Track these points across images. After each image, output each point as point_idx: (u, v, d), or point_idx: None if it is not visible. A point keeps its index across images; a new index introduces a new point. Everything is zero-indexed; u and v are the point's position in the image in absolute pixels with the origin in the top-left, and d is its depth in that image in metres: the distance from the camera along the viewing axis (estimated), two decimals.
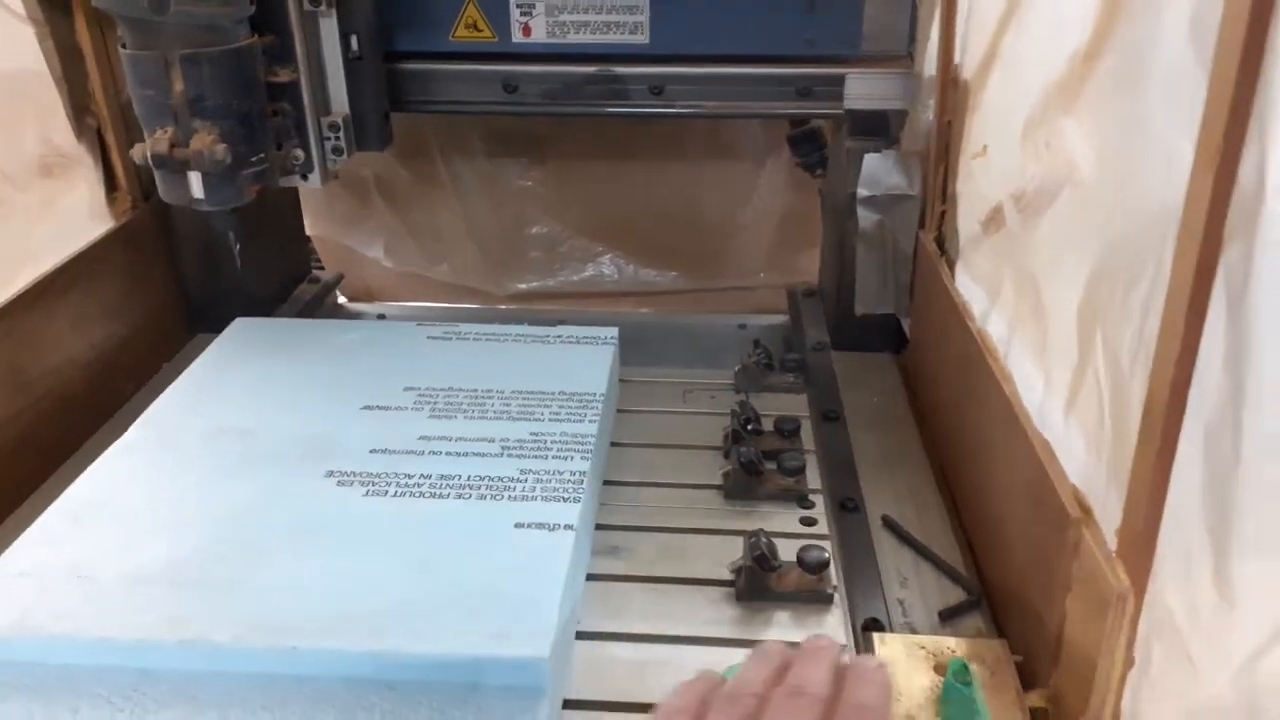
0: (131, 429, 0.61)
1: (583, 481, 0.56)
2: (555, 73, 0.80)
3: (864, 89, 0.79)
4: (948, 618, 0.57)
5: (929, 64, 0.76)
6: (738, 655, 0.42)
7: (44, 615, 0.46)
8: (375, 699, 0.44)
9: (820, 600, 0.56)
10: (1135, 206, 0.46)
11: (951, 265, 0.75)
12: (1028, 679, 0.52)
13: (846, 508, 0.66)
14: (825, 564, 0.55)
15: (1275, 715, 0.39)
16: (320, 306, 1.01)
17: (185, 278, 0.86)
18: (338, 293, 1.11)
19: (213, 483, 0.56)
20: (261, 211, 0.81)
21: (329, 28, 0.71)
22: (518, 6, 0.78)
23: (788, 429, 0.69)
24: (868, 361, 0.86)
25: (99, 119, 0.77)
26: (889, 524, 0.65)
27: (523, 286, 1.09)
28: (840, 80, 0.79)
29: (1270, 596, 0.37)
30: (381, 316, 1.04)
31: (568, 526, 0.52)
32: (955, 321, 0.69)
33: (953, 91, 0.73)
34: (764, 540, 0.55)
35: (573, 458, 0.58)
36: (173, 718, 0.44)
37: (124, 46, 0.63)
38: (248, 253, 0.86)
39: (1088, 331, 0.51)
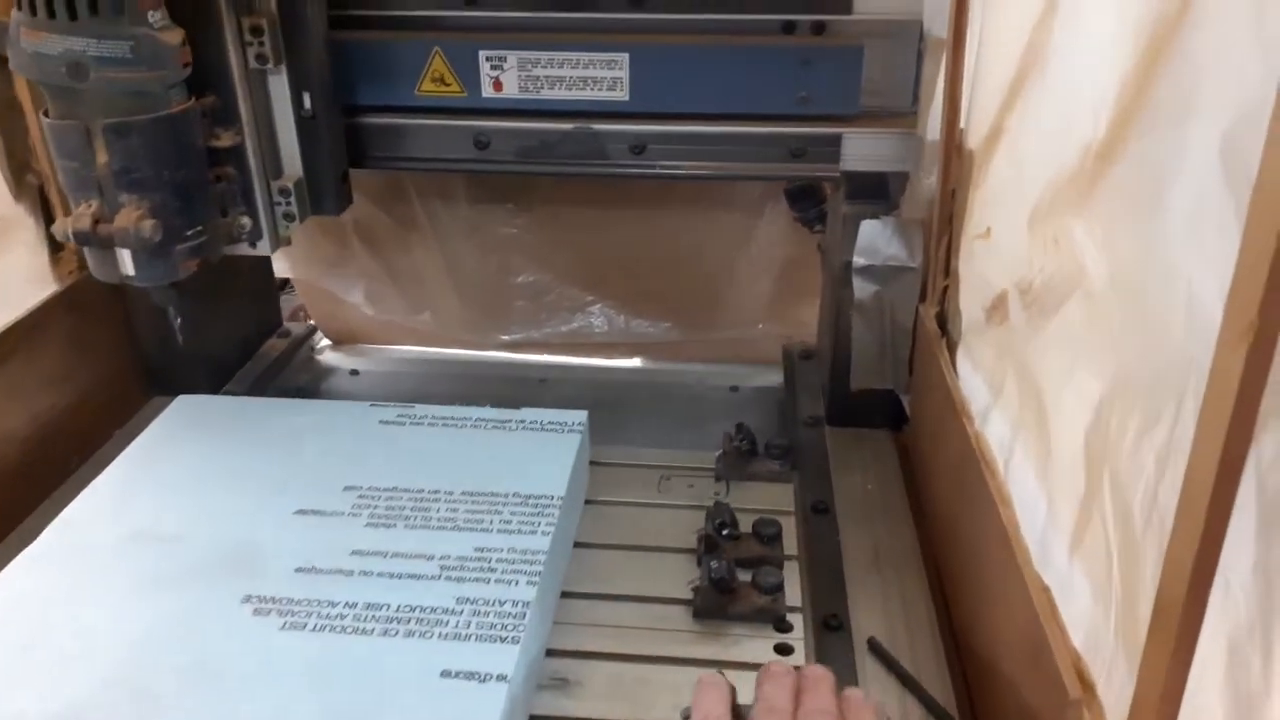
0: (44, 533, 0.56)
1: (524, 615, 0.50)
2: (529, 129, 0.74)
3: (862, 149, 0.73)
4: None
5: (932, 128, 0.69)
6: None
7: None
8: None
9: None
10: (1151, 341, 0.39)
11: (953, 348, 0.68)
12: None
13: (829, 626, 0.60)
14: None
15: None
16: (290, 363, 0.96)
17: (139, 340, 0.81)
18: (320, 335, 1.07)
19: (118, 605, 0.51)
20: (223, 267, 0.76)
21: (279, 86, 0.66)
22: (487, 60, 0.72)
23: (768, 534, 0.63)
24: (864, 439, 0.79)
25: (40, 176, 0.72)
26: (875, 648, 0.58)
27: (507, 338, 1.04)
28: (837, 140, 0.73)
29: None
30: (354, 373, 0.99)
31: (500, 677, 0.47)
32: (953, 417, 0.63)
33: (957, 159, 0.66)
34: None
35: (518, 582, 0.53)
36: None
37: (46, 115, 0.58)
38: (208, 311, 0.81)
39: (1096, 466, 0.45)
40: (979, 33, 0.62)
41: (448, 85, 0.73)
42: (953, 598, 0.62)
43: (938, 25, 0.67)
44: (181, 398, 0.70)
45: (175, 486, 0.61)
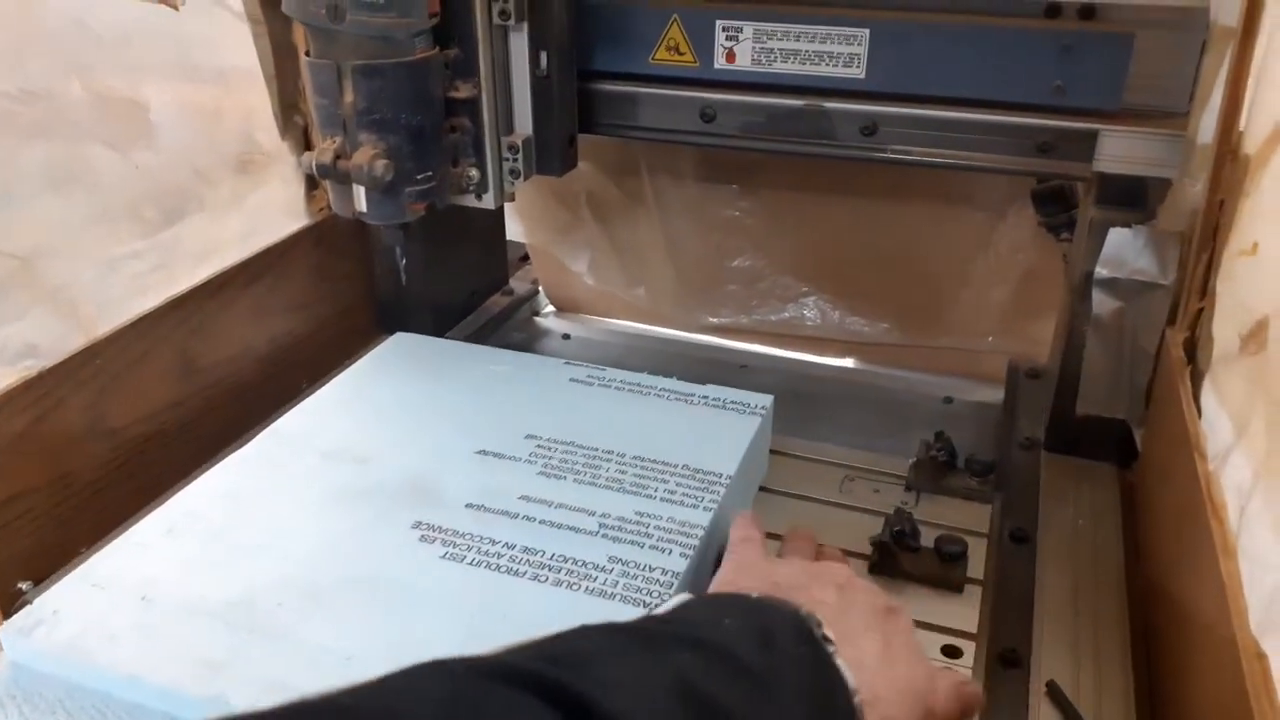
0: (253, 441, 0.61)
1: (672, 585, 0.49)
2: (757, 103, 0.73)
3: (1121, 150, 0.66)
4: None
5: (1204, 129, 0.61)
6: None
7: (96, 638, 0.46)
8: None
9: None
10: None
11: (1198, 380, 0.60)
12: None
13: (1006, 660, 0.55)
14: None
15: None
16: (509, 319, 0.99)
17: (375, 280, 0.87)
18: (543, 299, 1.10)
19: (301, 513, 0.55)
20: (457, 220, 0.80)
21: (519, 43, 0.68)
22: (724, 30, 0.71)
23: (950, 551, 0.58)
24: (1084, 472, 0.72)
25: (306, 117, 0.79)
26: (1054, 692, 0.53)
27: (716, 321, 1.03)
28: (1092, 137, 0.66)
29: None
30: (566, 337, 1.01)
31: None
32: (1186, 454, 0.55)
33: (1231, 166, 0.58)
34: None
35: (672, 552, 0.51)
36: None
37: (307, 54, 0.63)
38: (438, 258, 0.85)
39: None
40: (1273, 22, 0.54)
41: (682, 55, 0.72)
42: (1156, 656, 0.55)
43: (1225, 13, 0.59)
44: (398, 335, 0.74)
45: (374, 414, 0.64)
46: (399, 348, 0.73)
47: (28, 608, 0.48)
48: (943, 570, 0.57)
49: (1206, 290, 0.61)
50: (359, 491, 0.56)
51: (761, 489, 0.65)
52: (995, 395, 0.88)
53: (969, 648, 0.53)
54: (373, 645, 0.46)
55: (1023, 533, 0.65)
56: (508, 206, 1.00)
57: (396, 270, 0.76)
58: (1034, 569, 0.61)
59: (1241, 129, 0.57)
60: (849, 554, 0.59)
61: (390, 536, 0.53)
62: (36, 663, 0.47)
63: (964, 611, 0.56)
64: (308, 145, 0.80)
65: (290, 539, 0.53)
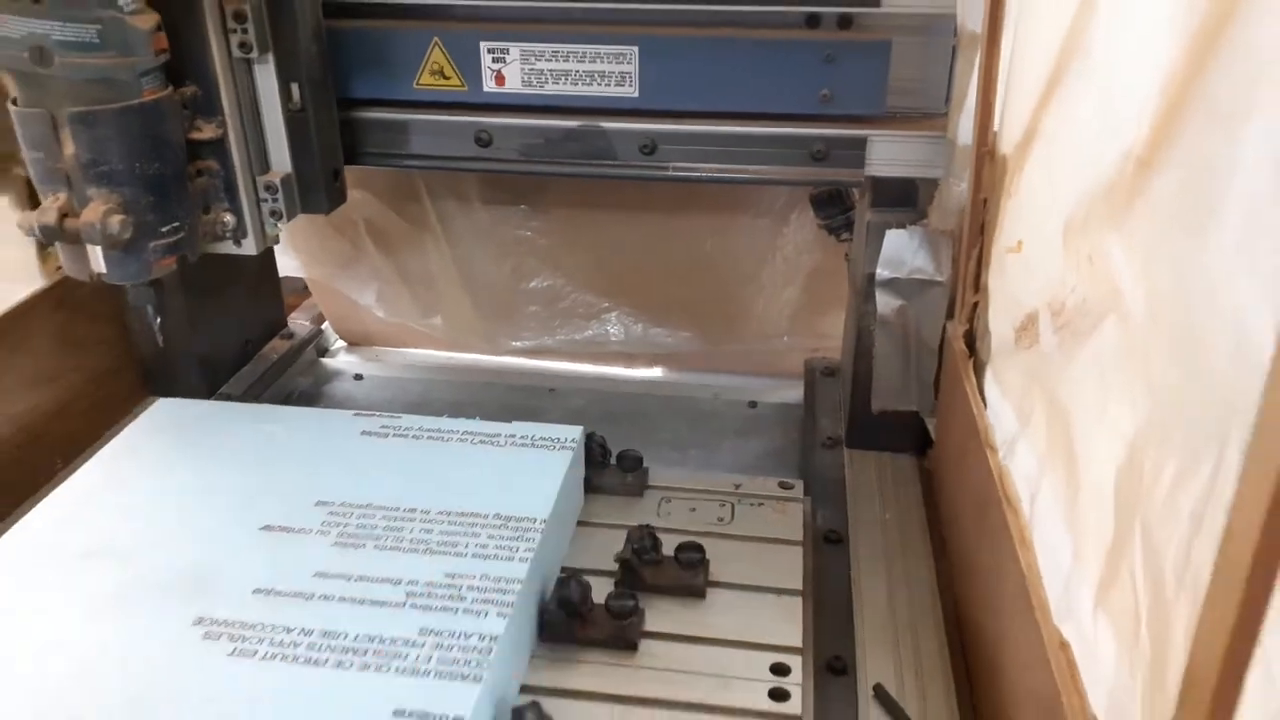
0: (1, 540, 0.53)
1: (490, 650, 0.46)
2: (534, 126, 0.70)
3: (889, 153, 0.68)
4: None
5: (964, 130, 0.64)
6: None
7: None
8: None
9: None
10: (1192, 376, 0.34)
11: (980, 371, 0.63)
12: None
13: (834, 669, 0.55)
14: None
15: None
16: (292, 364, 0.93)
17: (134, 339, 0.79)
18: (330, 335, 1.04)
19: (63, 625, 0.48)
20: (219, 266, 0.73)
21: (265, 76, 0.63)
22: (489, 51, 0.68)
23: (689, 559, 0.57)
24: (885, 464, 0.74)
25: (26, 169, 0.70)
26: (881, 696, 0.53)
27: (518, 344, 1.00)
28: (862, 143, 0.68)
29: None
30: (359, 377, 0.96)
31: (457, 719, 0.42)
32: (977, 446, 0.57)
33: (990, 165, 0.61)
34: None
35: (488, 614, 0.48)
36: None
37: (14, 103, 0.55)
38: (205, 308, 0.78)
39: (1126, 512, 0.39)
40: (1015, 26, 0.57)
41: (447, 79, 0.69)
42: (969, 646, 0.57)
43: (971, 19, 0.62)
44: (160, 401, 0.67)
45: (139, 498, 0.57)
46: (161, 417, 0.65)
47: None
48: (685, 576, 0.57)
49: (980, 284, 0.64)
50: (127, 593, 0.50)
51: (580, 523, 0.63)
52: (796, 394, 0.90)
53: (796, 662, 0.53)
54: None
55: (836, 535, 0.66)
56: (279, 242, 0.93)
57: (151, 331, 0.68)
58: (847, 572, 0.62)
59: (996, 129, 0.60)
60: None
61: (168, 640, 0.47)
62: None
63: (787, 628, 0.55)
64: (33, 199, 0.71)
65: (48, 659, 0.46)
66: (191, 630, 0.48)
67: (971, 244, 0.64)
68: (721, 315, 1.00)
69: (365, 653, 0.46)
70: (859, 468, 0.73)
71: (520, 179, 0.94)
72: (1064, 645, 0.42)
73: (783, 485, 0.68)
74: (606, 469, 0.67)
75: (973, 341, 0.66)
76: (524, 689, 0.50)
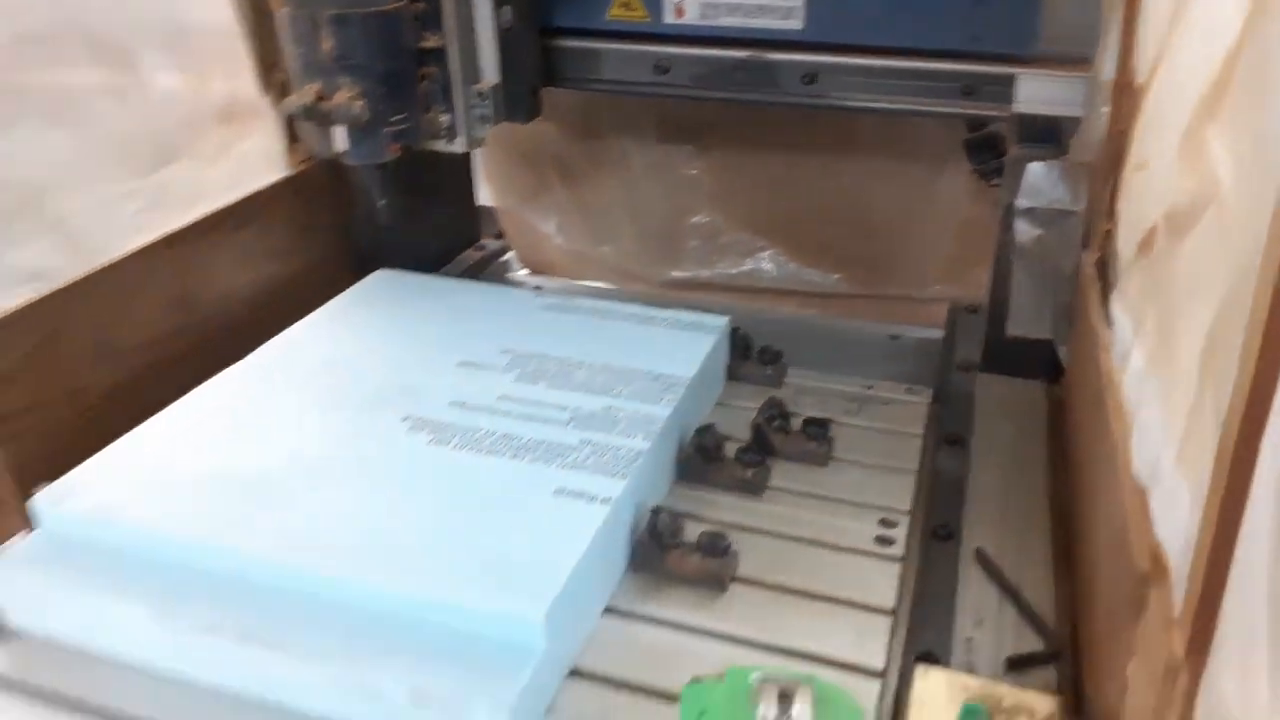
0: (253, 354, 0.66)
1: (637, 459, 0.55)
2: (706, 56, 0.79)
3: (1037, 92, 0.73)
4: (1015, 666, 0.51)
5: (1106, 67, 0.68)
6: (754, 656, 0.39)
7: (119, 504, 0.51)
8: (378, 635, 0.46)
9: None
10: (1259, 244, 0.39)
11: (1108, 293, 0.67)
12: None
13: (939, 535, 0.61)
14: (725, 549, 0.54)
15: None
16: (482, 273, 1.05)
17: (353, 228, 0.92)
18: (517, 263, 1.16)
19: (303, 410, 0.60)
20: (431, 178, 0.85)
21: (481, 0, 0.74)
22: None
23: (816, 433, 0.65)
24: (1017, 389, 0.78)
25: (286, 73, 0.83)
26: (981, 558, 0.59)
27: (678, 274, 1.09)
28: (1010, 80, 0.73)
29: None
30: (538, 289, 1.07)
31: (605, 500, 0.52)
32: (1094, 353, 0.62)
33: (1127, 97, 0.65)
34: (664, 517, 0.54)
35: (636, 436, 0.57)
36: (194, 620, 0.47)
37: (284, 5, 0.68)
38: (407, 213, 0.90)
39: (1205, 379, 0.44)
40: None
41: (633, 10, 0.78)
42: (1070, 528, 0.62)
43: None
44: (380, 271, 0.79)
45: (360, 334, 0.70)
46: (381, 281, 0.78)
47: (57, 482, 0.53)
48: (810, 445, 0.65)
49: (1113, 212, 0.68)
50: (352, 393, 0.62)
51: (718, 404, 0.71)
52: (935, 335, 0.94)
53: (904, 522, 0.59)
54: (370, 508, 0.51)
55: (956, 436, 0.71)
56: (478, 172, 1.05)
57: (374, 211, 0.80)
58: (967, 467, 0.68)
59: (1134, 63, 0.64)
60: None
61: (381, 428, 0.58)
62: (66, 528, 0.51)
63: (899, 495, 0.62)
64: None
65: (293, 429, 0.58)
66: (400, 424, 0.59)
67: (1108, 174, 0.68)
68: (872, 260, 1.05)
69: (536, 450, 0.56)
70: (989, 389, 0.78)
71: (693, 118, 1.03)
72: (1139, 490, 0.47)
73: (910, 390, 0.74)
74: (748, 361, 0.75)
75: (1104, 268, 0.70)
76: None
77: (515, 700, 0.42)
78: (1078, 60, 0.71)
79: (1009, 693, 0.47)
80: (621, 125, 1.06)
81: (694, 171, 1.06)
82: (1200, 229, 0.48)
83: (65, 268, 0.66)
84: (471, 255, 1.04)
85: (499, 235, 1.15)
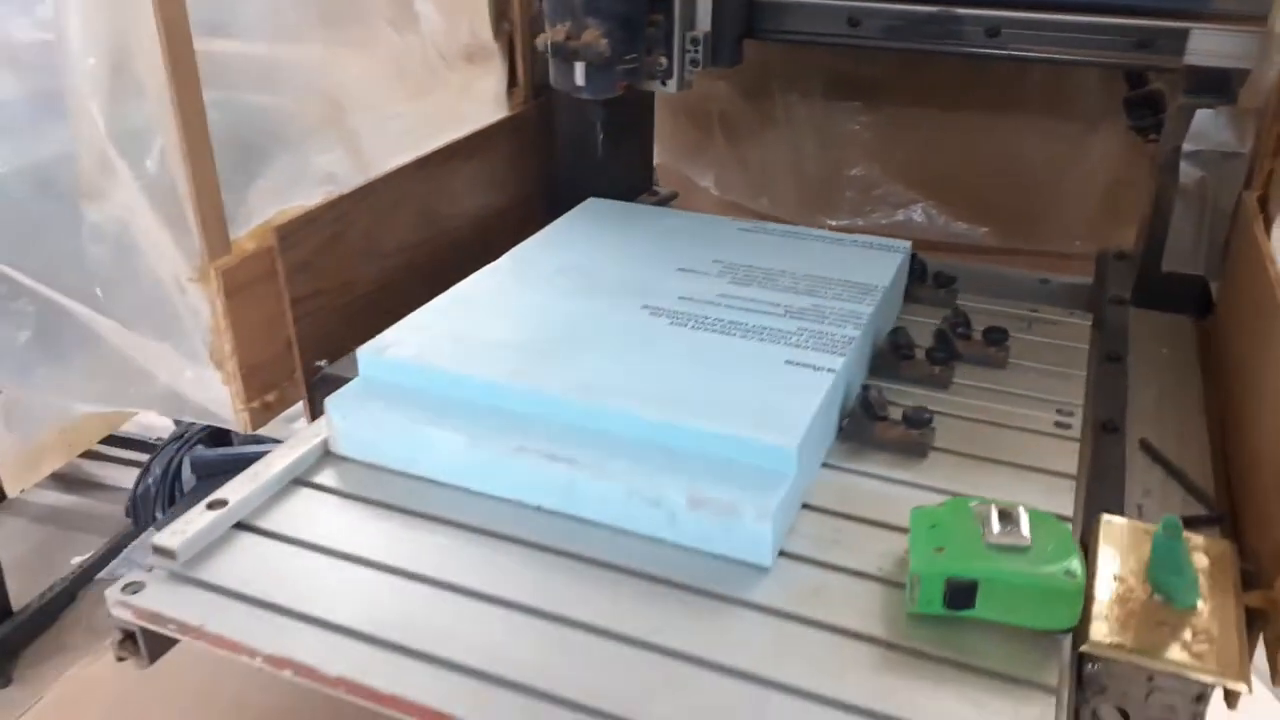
0: (501, 259, 0.78)
1: (850, 343, 0.64)
2: (898, 10, 0.87)
3: (1209, 45, 0.79)
4: (1186, 525, 0.59)
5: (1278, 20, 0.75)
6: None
7: (432, 356, 0.63)
8: (656, 456, 0.56)
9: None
10: None
11: (1269, 223, 0.74)
12: (1254, 587, 0.53)
13: (1107, 429, 0.69)
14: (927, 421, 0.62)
15: None
16: None
17: (555, 169, 1.03)
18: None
19: (556, 298, 0.71)
20: (623, 124, 0.95)
21: None
22: None
23: (997, 337, 0.73)
24: (1167, 321, 0.85)
25: (512, 24, 0.95)
26: (1145, 446, 0.67)
27: (832, 223, 1.18)
28: (1184, 34, 0.80)
29: None
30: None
31: (830, 370, 0.61)
32: (1260, 270, 0.69)
33: None
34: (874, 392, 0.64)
35: (846, 326, 0.67)
36: (505, 443, 0.57)
37: None
38: (608, 152, 1.01)
39: None
40: None
41: None
42: (1229, 425, 0.69)
43: None
44: (591, 199, 0.90)
45: (588, 244, 0.80)
46: (596, 207, 0.89)
47: (375, 339, 0.65)
48: (990, 350, 0.74)
49: (1278, 151, 0.75)
50: (590, 289, 0.72)
51: (900, 319, 0.80)
52: (1086, 279, 1.01)
53: (1079, 411, 0.68)
54: (639, 365, 0.61)
55: (1116, 354, 0.78)
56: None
57: (581, 150, 0.91)
58: (1126, 378, 0.75)
59: None
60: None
61: (625, 313, 0.69)
62: (387, 374, 0.63)
63: (1072, 390, 0.70)
64: (511, 50, 0.96)
65: (551, 311, 0.69)
66: (640, 311, 0.69)
67: (1276, 118, 0.75)
68: (1020, 215, 1.13)
69: (761, 334, 0.66)
70: (1143, 319, 0.85)
71: (862, 77, 1.11)
72: None
73: (1073, 314, 0.81)
74: (924, 285, 0.83)
75: (1266, 203, 0.76)
76: None
77: (775, 508, 0.52)
78: (1251, 16, 0.78)
79: (1188, 534, 0.55)
80: (790, 84, 1.15)
81: (855, 127, 1.15)
82: None
83: (350, 175, 0.78)
84: (647, 199, 1.14)
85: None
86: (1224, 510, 0.61)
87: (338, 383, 0.74)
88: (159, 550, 0.53)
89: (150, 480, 1.55)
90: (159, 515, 1.52)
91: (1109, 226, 1.09)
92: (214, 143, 0.67)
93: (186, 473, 1.55)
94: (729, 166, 1.24)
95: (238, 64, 0.70)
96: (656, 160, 1.24)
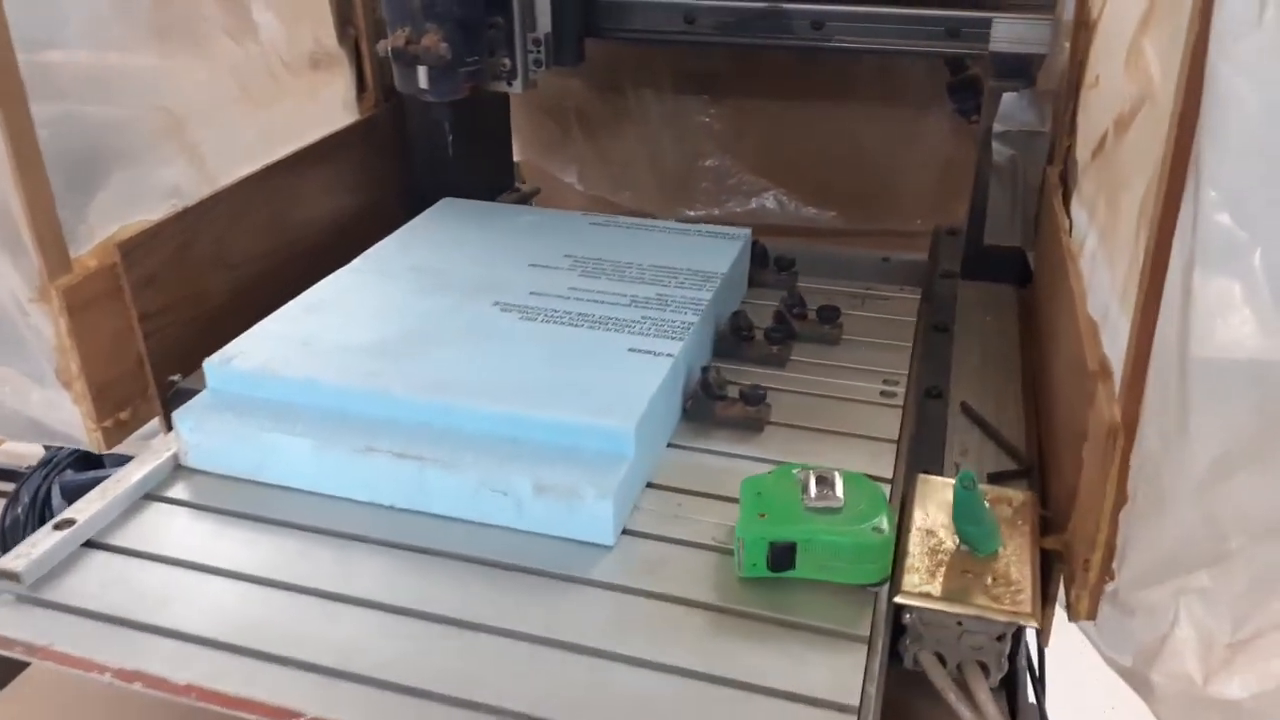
0: (353, 261, 0.79)
1: (689, 329, 0.68)
2: (730, 6, 0.91)
3: (1009, 33, 0.86)
4: (996, 480, 0.65)
5: (1068, 9, 0.81)
6: None
7: (278, 364, 0.64)
8: (504, 448, 0.58)
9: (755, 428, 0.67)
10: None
11: (1068, 196, 0.80)
12: (1052, 531, 0.59)
13: (931, 394, 0.75)
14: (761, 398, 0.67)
15: (1233, 542, 0.46)
16: None
17: (411, 171, 1.04)
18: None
19: (408, 297, 0.73)
20: (477, 125, 0.97)
21: None
22: None
23: (827, 316, 0.78)
24: (991, 290, 0.92)
25: (357, 29, 0.95)
26: (965, 409, 0.72)
27: (691, 213, 1.22)
28: (987, 23, 0.86)
29: (1213, 429, 0.44)
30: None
31: (668, 355, 0.65)
32: (1056, 239, 0.75)
33: (1084, 33, 0.78)
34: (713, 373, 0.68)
35: (685, 313, 0.70)
36: (353, 445, 0.59)
37: None
38: (461, 152, 1.02)
39: (1139, 235, 0.57)
40: None
41: None
42: (1036, 381, 0.75)
43: None
44: (445, 199, 0.92)
45: (442, 244, 0.82)
46: (449, 208, 0.90)
47: (221, 351, 0.65)
48: (824, 328, 0.79)
49: (1073, 129, 0.82)
50: (443, 287, 0.74)
51: (744, 302, 0.84)
52: (925, 257, 1.08)
53: (903, 380, 0.73)
54: (484, 360, 0.64)
55: (943, 324, 0.84)
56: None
57: (434, 153, 0.92)
58: (950, 347, 0.81)
59: (1090, 2, 0.77)
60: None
61: (476, 309, 0.71)
62: (234, 385, 0.64)
63: (897, 361, 0.75)
64: (357, 54, 0.97)
65: (402, 312, 0.70)
66: (491, 307, 0.71)
67: (1068, 99, 0.81)
68: (864, 197, 1.19)
69: (606, 324, 0.69)
70: (969, 291, 0.91)
71: (706, 71, 1.15)
72: (1091, 323, 0.60)
73: (903, 290, 0.87)
74: (765, 269, 0.88)
75: (1065, 177, 0.83)
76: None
77: (615, 488, 0.55)
78: (1043, 5, 0.84)
79: (992, 489, 0.61)
80: (640, 79, 1.19)
81: (705, 119, 1.19)
82: (1138, 121, 0.62)
83: (195, 187, 0.78)
84: (508, 198, 1.16)
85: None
86: (1033, 463, 0.67)
87: (192, 396, 0.74)
88: (3, 574, 0.53)
89: (19, 509, 1.50)
90: None
91: (947, 205, 1.15)
92: (47, 159, 0.66)
93: (57, 498, 1.51)
94: (590, 162, 1.27)
95: (69, 77, 0.69)
96: (519, 157, 1.26)
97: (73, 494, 1.48)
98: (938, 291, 0.91)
